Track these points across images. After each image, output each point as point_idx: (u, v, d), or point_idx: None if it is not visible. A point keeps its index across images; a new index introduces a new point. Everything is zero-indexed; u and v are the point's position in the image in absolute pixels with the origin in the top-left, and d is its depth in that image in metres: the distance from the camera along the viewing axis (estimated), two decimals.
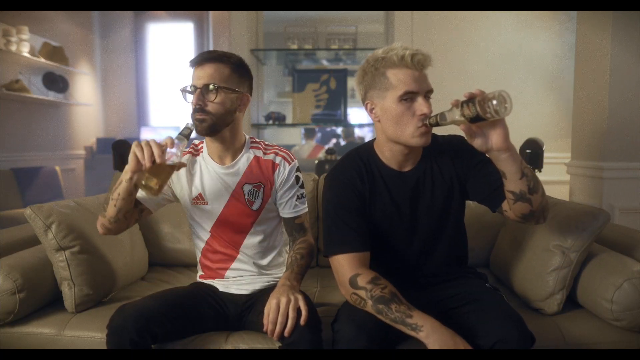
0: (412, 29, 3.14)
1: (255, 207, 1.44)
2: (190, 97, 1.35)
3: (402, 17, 3.16)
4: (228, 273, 1.47)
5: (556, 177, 2.80)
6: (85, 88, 4.84)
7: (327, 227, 1.30)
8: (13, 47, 3.66)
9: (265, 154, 1.46)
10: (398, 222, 1.33)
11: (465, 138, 1.18)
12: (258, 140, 1.50)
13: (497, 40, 3.17)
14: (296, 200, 1.47)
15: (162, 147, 1.18)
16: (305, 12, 4.51)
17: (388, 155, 1.32)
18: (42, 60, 4.02)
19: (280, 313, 1.20)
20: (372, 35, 4.11)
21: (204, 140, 1.46)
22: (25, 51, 3.78)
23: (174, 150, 1.20)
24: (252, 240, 1.46)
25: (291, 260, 1.41)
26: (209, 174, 1.44)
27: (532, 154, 2.53)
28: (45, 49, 4.12)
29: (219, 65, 1.33)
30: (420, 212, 1.33)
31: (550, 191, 1.97)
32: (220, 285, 1.48)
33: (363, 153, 1.36)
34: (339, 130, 5.54)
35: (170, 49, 5.27)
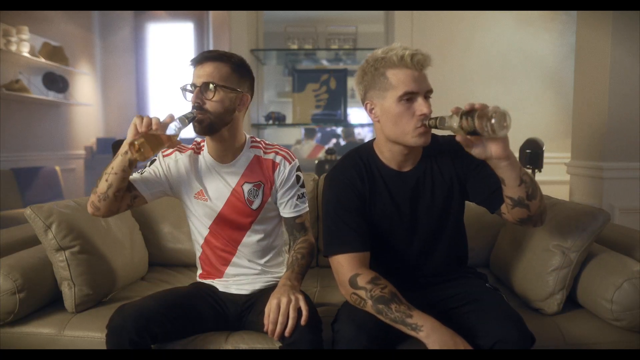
0: (412, 29, 3.14)
1: (254, 206, 1.44)
2: (190, 96, 1.35)
3: (402, 17, 3.16)
4: (227, 271, 1.47)
5: (556, 177, 2.80)
6: (85, 88, 4.84)
7: (326, 227, 1.30)
8: (13, 47, 3.66)
9: (265, 153, 1.46)
10: (398, 222, 1.33)
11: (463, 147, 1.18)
12: (258, 139, 1.50)
13: (497, 40, 3.17)
14: (297, 200, 1.47)
15: (162, 123, 1.25)
16: (305, 12, 4.51)
17: (388, 155, 1.32)
18: (42, 60, 4.02)
19: (281, 313, 1.20)
20: (372, 35, 4.11)
21: (206, 139, 1.47)
22: (25, 51, 3.77)
23: (172, 128, 1.27)
24: (251, 239, 1.46)
25: (292, 260, 1.41)
26: (209, 172, 1.44)
27: (532, 154, 2.53)
28: (45, 49, 4.12)
29: (219, 64, 1.33)
30: (420, 212, 1.33)
31: (550, 191, 1.97)
32: (220, 285, 1.48)
33: (363, 153, 1.36)
34: (339, 130, 5.54)
35: (170, 49, 5.27)
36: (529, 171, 1.22)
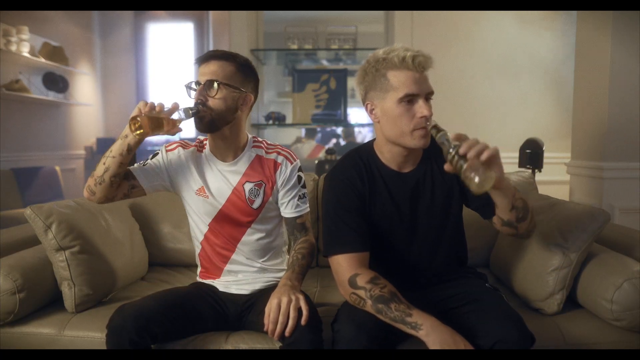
0: (412, 29, 3.14)
1: (255, 205, 1.44)
2: (194, 94, 1.36)
3: (402, 17, 3.16)
4: (226, 269, 1.48)
5: (556, 177, 2.80)
6: (85, 88, 4.84)
7: (326, 227, 1.30)
8: (13, 47, 3.66)
9: (267, 153, 1.47)
10: (398, 222, 1.33)
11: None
12: (260, 139, 1.51)
13: (498, 41, 3.16)
14: (298, 200, 1.47)
15: (166, 111, 1.28)
16: (305, 12, 4.50)
17: (388, 156, 1.32)
18: (42, 60, 4.02)
19: (281, 313, 1.20)
20: (372, 35, 4.11)
21: (207, 137, 1.47)
22: (25, 51, 3.77)
23: (175, 117, 1.30)
24: (250, 238, 1.46)
25: (292, 260, 1.41)
26: (211, 170, 1.45)
27: (532, 153, 2.53)
28: (45, 49, 4.11)
29: (223, 63, 1.35)
30: (420, 212, 1.33)
31: (550, 191, 1.97)
32: (220, 285, 1.48)
33: (363, 153, 1.36)
34: (339, 130, 5.54)
35: (170, 49, 5.27)
36: (522, 196, 1.22)
